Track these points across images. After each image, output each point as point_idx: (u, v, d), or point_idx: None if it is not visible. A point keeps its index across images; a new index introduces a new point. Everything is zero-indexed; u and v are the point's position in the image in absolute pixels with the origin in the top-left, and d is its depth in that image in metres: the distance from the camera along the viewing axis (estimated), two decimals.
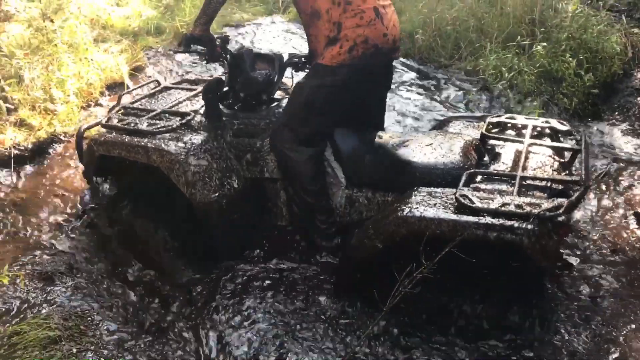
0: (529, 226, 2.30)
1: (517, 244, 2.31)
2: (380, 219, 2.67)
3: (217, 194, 2.97)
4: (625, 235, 3.37)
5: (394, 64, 3.31)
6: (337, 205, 3.08)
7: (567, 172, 2.79)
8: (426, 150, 2.94)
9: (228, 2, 6.96)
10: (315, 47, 2.97)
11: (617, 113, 4.72)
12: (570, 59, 4.82)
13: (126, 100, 3.65)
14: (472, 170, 2.71)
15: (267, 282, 3.00)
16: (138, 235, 3.36)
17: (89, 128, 3.39)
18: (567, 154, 2.92)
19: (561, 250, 2.76)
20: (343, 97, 2.96)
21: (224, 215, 3.01)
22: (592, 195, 3.66)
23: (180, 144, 2.98)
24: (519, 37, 5.20)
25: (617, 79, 5.06)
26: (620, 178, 3.86)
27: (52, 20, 4.91)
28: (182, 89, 3.66)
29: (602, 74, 4.94)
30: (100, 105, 4.82)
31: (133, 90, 3.82)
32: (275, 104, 3.30)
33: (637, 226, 3.40)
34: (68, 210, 3.73)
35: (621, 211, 3.55)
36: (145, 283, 3.17)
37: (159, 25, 6.23)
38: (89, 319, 2.88)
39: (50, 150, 4.21)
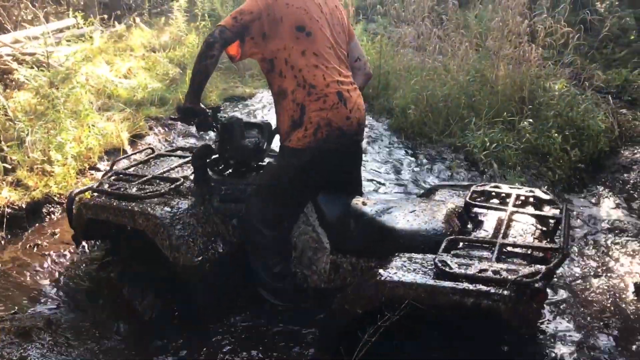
0: (506, 292, 2.30)
1: (493, 310, 2.31)
2: (361, 284, 2.68)
3: (200, 258, 2.98)
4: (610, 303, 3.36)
5: (364, 144, 3.43)
6: (322, 271, 3.09)
7: (548, 240, 2.82)
8: (409, 217, 2.98)
9: (230, 77, 7.36)
10: (281, 126, 3.04)
11: (602, 188, 4.77)
12: (556, 134, 4.95)
13: (120, 166, 3.76)
14: (453, 237, 2.73)
15: (243, 347, 3.00)
16: (123, 295, 3.38)
17: (80, 193, 3.45)
18: (551, 223, 2.95)
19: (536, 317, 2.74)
20: (308, 178, 3.04)
21: (206, 279, 3.01)
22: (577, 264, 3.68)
23: (167, 208, 3.02)
24: (505, 113, 5.36)
25: (603, 156, 5.15)
26: (603, 248, 3.89)
27: (57, 88, 5.13)
28: (176, 156, 3.77)
29: (588, 150, 5.05)
30: (98, 169, 4.97)
31: (127, 157, 3.92)
32: (263, 170, 3.39)
33: (635, 297, 3.40)
34: (54, 269, 3.77)
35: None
36: (123, 342, 3.16)
37: (163, 96, 6.50)
38: None
39: (44, 210, 4.30)
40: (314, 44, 2.93)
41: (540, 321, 3.14)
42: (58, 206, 4.38)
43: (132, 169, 3.58)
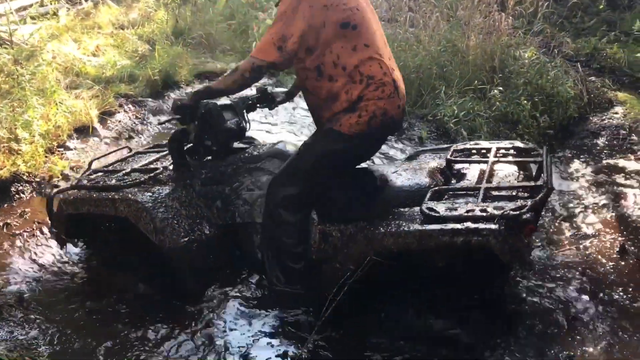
0: (494, 226, 2.36)
1: (484, 245, 2.36)
2: (348, 241, 2.74)
3: (186, 239, 2.95)
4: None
5: None
6: (312, 243, 3.05)
7: (532, 182, 2.84)
8: (392, 177, 3.00)
9: (201, 52, 7.25)
10: (326, 108, 2.91)
11: (571, 154, 4.85)
12: (526, 102, 5.00)
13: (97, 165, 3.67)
14: (437, 187, 2.77)
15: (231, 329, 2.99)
16: (101, 275, 3.40)
17: (59, 192, 3.38)
18: (533, 168, 2.97)
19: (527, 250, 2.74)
20: (350, 163, 3.03)
21: (192, 261, 2.99)
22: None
23: (148, 194, 3.01)
24: (476, 82, 5.39)
25: (572, 122, 5.23)
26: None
27: (22, 66, 5.01)
28: (154, 152, 3.69)
29: (557, 117, 5.12)
30: (67, 147, 4.89)
31: (104, 155, 3.86)
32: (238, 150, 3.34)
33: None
34: (25, 248, 3.73)
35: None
36: (100, 317, 3.15)
37: (132, 73, 6.38)
38: (35, 350, 2.85)
39: (13, 190, 4.23)
40: (362, 35, 2.82)
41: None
42: (27, 185, 4.31)
43: (110, 167, 3.52)
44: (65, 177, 4.45)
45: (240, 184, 3.17)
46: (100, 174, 3.39)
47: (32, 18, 7.26)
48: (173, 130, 3.31)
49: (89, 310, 3.19)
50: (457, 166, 3.03)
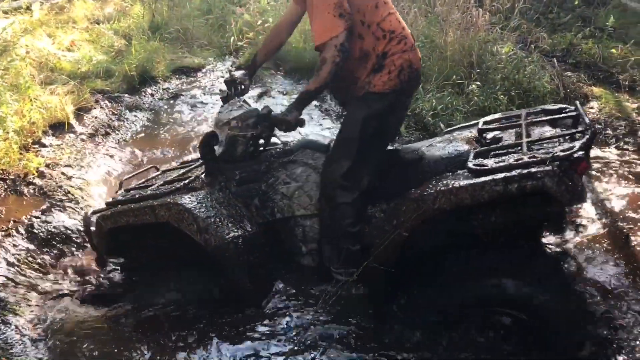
0: (548, 168, 2.38)
1: (540, 188, 2.38)
2: (396, 208, 2.75)
3: (231, 236, 2.89)
4: None
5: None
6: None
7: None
8: (429, 150, 3.03)
9: (178, 47, 7.18)
10: (353, 77, 2.97)
11: None
12: (502, 96, 5.04)
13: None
14: (479, 149, 2.82)
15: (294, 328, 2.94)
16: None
17: (95, 213, 3.34)
18: (567, 123, 2.98)
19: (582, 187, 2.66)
20: (390, 123, 3.05)
21: (242, 256, 2.91)
22: None
23: (187, 196, 2.97)
24: (454, 77, 5.43)
25: None
26: None
27: None
28: (181, 167, 3.69)
29: None
30: (43, 144, 4.81)
31: (133, 176, 3.74)
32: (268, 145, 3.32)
33: None
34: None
35: None
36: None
37: (108, 68, 6.31)
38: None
39: None
40: None
41: None
42: (1, 182, 4.23)
43: (140, 184, 3.51)
44: (41, 174, 4.38)
45: (276, 179, 3.15)
46: (132, 191, 3.37)
47: (5, 12, 7.12)
48: (202, 135, 3.22)
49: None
50: (490, 135, 3.02)
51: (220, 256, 2.89)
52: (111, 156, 5.03)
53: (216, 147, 3.11)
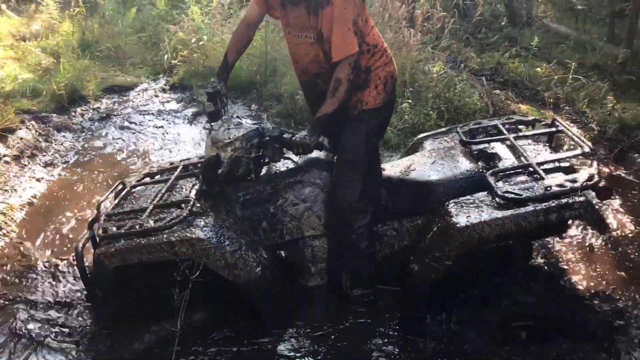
0: (582, 199, 2.53)
1: (577, 218, 2.57)
2: (440, 238, 2.71)
3: (259, 268, 2.81)
4: None
5: None
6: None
7: (559, 150, 3.01)
8: (435, 167, 3.06)
9: (109, 65, 7.00)
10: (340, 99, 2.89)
11: None
12: (432, 112, 5.18)
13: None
14: (494, 170, 2.85)
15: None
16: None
17: (86, 242, 2.95)
18: (549, 136, 3.16)
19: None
20: (380, 137, 3.16)
21: (272, 288, 2.88)
22: None
23: (206, 229, 2.78)
24: None
25: None
26: None
27: None
28: (149, 183, 3.38)
29: None
30: None
31: (106, 198, 3.22)
32: (267, 165, 3.19)
33: None
34: None
35: None
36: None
37: (35, 87, 6.07)
38: None
39: None
40: (366, 6, 2.95)
41: None
42: None
43: (118, 207, 3.11)
44: None
45: (284, 200, 3.09)
46: (117, 217, 2.98)
47: None
48: (204, 159, 2.99)
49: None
50: (478, 147, 3.14)
51: (251, 291, 2.81)
52: (38, 179, 4.81)
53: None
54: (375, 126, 3.03)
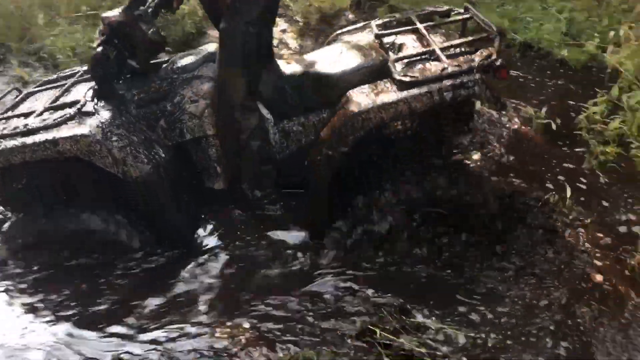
0: (477, 76, 2.56)
1: (471, 96, 2.62)
2: (334, 127, 2.72)
3: (150, 166, 2.72)
4: None
5: None
6: (273, 142, 2.97)
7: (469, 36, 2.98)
8: (342, 60, 2.96)
9: None
10: None
11: None
12: None
13: None
14: (395, 57, 2.80)
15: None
16: None
17: None
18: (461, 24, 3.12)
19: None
20: (268, 25, 2.94)
21: (165, 186, 2.78)
22: None
23: (93, 124, 2.70)
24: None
25: (192, 38, 5.26)
26: None
27: None
28: (49, 88, 3.21)
29: (176, 34, 5.09)
30: None
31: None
32: (166, 61, 3.04)
33: None
34: None
35: None
36: None
37: None
38: None
39: None
40: None
41: None
42: None
43: (9, 112, 3.04)
44: None
45: (182, 97, 2.90)
46: (4, 120, 2.93)
47: None
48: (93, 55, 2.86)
49: None
50: (388, 40, 3.03)
51: (143, 188, 2.75)
52: None
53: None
54: (255, 18, 2.81)
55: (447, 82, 2.60)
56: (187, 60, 3.03)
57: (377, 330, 2.32)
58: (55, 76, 3.46)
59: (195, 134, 2.96)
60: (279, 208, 3.02)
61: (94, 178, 2.84)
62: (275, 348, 2.39)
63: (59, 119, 2.74)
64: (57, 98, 3.00)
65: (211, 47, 3.08)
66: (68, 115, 2.74)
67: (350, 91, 2.78)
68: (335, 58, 3.04)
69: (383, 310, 2.45)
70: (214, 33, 5.36)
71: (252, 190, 3.01)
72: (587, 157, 3.35)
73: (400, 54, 2.90)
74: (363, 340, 2.33)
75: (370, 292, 2.60)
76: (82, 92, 2.98)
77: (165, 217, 2.88)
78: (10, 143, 2.74)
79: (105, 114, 2.81)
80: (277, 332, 2.47)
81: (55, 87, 3.20)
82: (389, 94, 2.64)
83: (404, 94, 2.61)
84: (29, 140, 2.71)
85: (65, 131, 2.69)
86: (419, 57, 2.83)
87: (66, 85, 3.11)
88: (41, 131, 2.73)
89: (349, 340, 2.35)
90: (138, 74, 2.99)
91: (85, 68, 3.19)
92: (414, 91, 2.61)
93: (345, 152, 2.71)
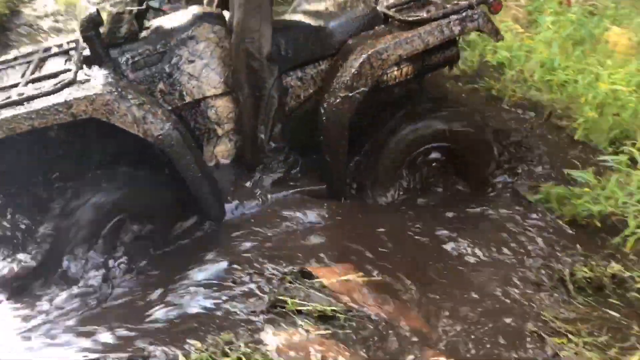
0: (479, 10, 2.84)
1: (476, 28, 2.87)
2: (350, 69, 2.78)
3: (170, 123, 2.61)
4: None
5: None
6: (272, 99, 2.94)
7: None
8: (328, 12, 3.05)
9: None
10: None
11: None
12: None
13: None
14: (388, 4, 3.00)
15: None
16: None
17: None
18: None
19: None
20: None
21: (188, 145, 2.68)
22: None
23: (104, 84, 2.53)
24: None
25: (6, 20, 4.75)
26: None
27: None
28: (21, 63, 2.90)
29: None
30: None
31: None
32: (156, 23, 2.93)
33: None
34: None
35: None
36: None
37: None
38: None
39: None
40: None
41: None
42: None
43: None
44: None
45: (179, 57, 2.85)
46: None
47: None
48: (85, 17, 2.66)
49: None
50: None
51: (166, 146, 2.61)
52: None
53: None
54: None
55: (454, 17, 2.83)
56: (175, 22, 2.96)
57: (288, 299, 2.36)
58: (12, 55, 3.16)
59: (195, 96, 2.93)
60: (292, 162, 3.08)
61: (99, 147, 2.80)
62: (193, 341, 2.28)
63: (58, 85, 2.54)
64: (33, 71, 2.78)
65: (194, 9, 3.02)
66: (66, 82, 2.55)
67: (351, 39, 2.92)
68: (324, 10, 3.11)
69: (286, 280, 2.49)
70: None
71: (267, 142, 3.00)
72: None
73: (391, 1, 3.09)
74: (275, 313, 2.35)
75: (269, 266, 2.60)
76: (60, 64, 2.79)
77: (192, 180, 2.75)
78: (10, 112, 2.50)
79: (106, 77, 2.65)
80: (195, 325, 2.36)
81: (20, 64, 2.92)
82: (401, 34, 2.80)
83: (417, 31, 2.79)
84: (35, 105, 2.49)
85: (76, 94, 2.52)
86: (411, 2, 3.05)
87: (34, 62, 2.85)
88: (43, 97, 2.53)
89: (261, 316, 2.35)
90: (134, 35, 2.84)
91: (45, 47, 3.04)
92: (426, 27, 2.80)
93: (365, 92, 2.80)
